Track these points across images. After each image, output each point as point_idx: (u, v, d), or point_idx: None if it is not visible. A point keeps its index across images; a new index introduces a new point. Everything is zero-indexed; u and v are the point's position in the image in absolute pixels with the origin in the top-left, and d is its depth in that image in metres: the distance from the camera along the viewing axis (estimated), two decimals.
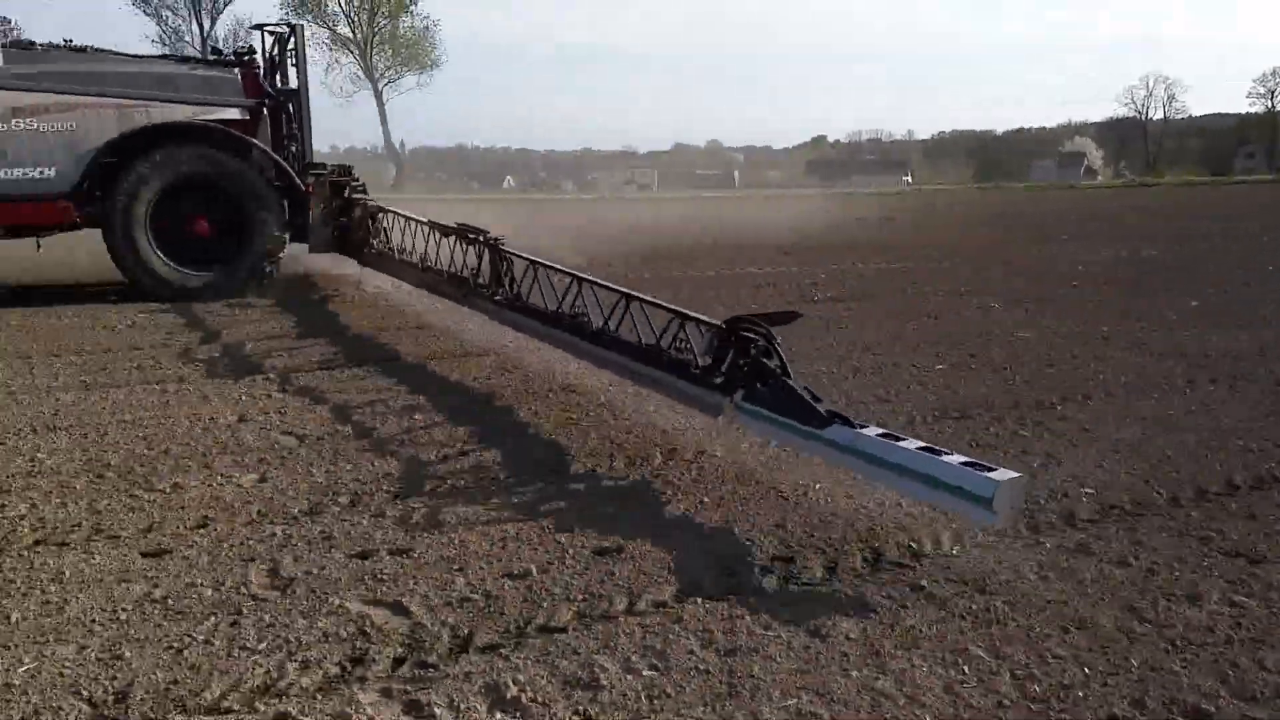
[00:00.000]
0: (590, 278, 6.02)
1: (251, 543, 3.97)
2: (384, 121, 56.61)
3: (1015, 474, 3.45)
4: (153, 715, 2.73)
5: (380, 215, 10.05)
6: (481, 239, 7.40)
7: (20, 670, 2.95)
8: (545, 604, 3.43)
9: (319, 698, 2.83)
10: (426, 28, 57.49)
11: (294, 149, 11.48)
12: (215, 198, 10.66)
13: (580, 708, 2.78)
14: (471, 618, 3.32)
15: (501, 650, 3.12)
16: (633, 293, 5.54)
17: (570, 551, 3.87)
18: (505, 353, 7.62)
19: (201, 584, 3.58)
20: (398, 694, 2.85)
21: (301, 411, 5.98)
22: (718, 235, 19.87)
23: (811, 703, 2.81)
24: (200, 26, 53.63)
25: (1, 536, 4.02)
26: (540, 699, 2.82)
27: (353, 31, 56.08)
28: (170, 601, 3.44)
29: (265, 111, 11.28)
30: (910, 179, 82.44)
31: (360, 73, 56.20)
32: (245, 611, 3.36)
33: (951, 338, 8.51)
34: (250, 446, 5.28)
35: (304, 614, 3.34)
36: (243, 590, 3.53)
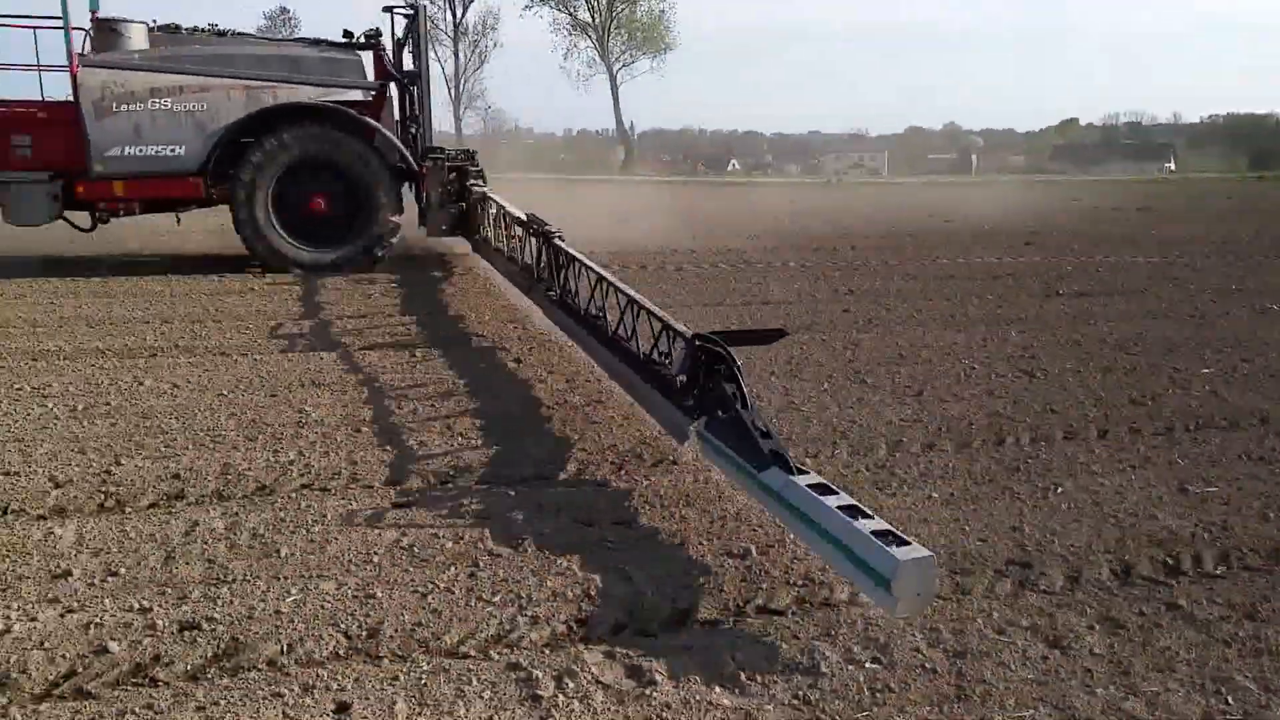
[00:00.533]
0: (609, 277, 5.79)
1: (487, 502, 4.18)
2: (616, 104, 58.04)
3: (925, 553, 2.88)
4: (400, 652, 2.94)
5: (486, 201, 9.96)
6: (539, 231, 7.20)
7: (288, 600, 3.26)
8: (764, 585, 3.41)
9: (547, 652, 2.95)
10: (662, 11, 58.39)
11: (414, 130, 11.64)
12: (335, 177, 10.88)
13: (800, 692, 2.75)
14: (691, 592, 3.36)
15: (721, 626, 3.13)
16: (635, 297, 5.17)
17: (791, 536, 3.83)
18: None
19: (443, 536, 3.82)
20: (620, 657, 2.92)
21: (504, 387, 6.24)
22: (953, 223, 19.01)
23: (1049, 716, 2.64)
24: (453, 14, 56.86)
25: (274, 479, 4.45)
26: (759, 678, 2.81)
27: (591, 16, 57.87)
28: (416, 549, 3.69)
29: (390, 93, 11.51)
30: (1173, 166, 75.60)
31: (597, 57, 57.88)
32: (481, 565, 3.55)
33: (1220, 339, 7.73)
34: (488, 412, 5.57)
35: (534, 573, 3.49)
36: (479, 545, 3.73)
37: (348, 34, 11.87)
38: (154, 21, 11.47)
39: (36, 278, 10.09)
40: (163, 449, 4.85)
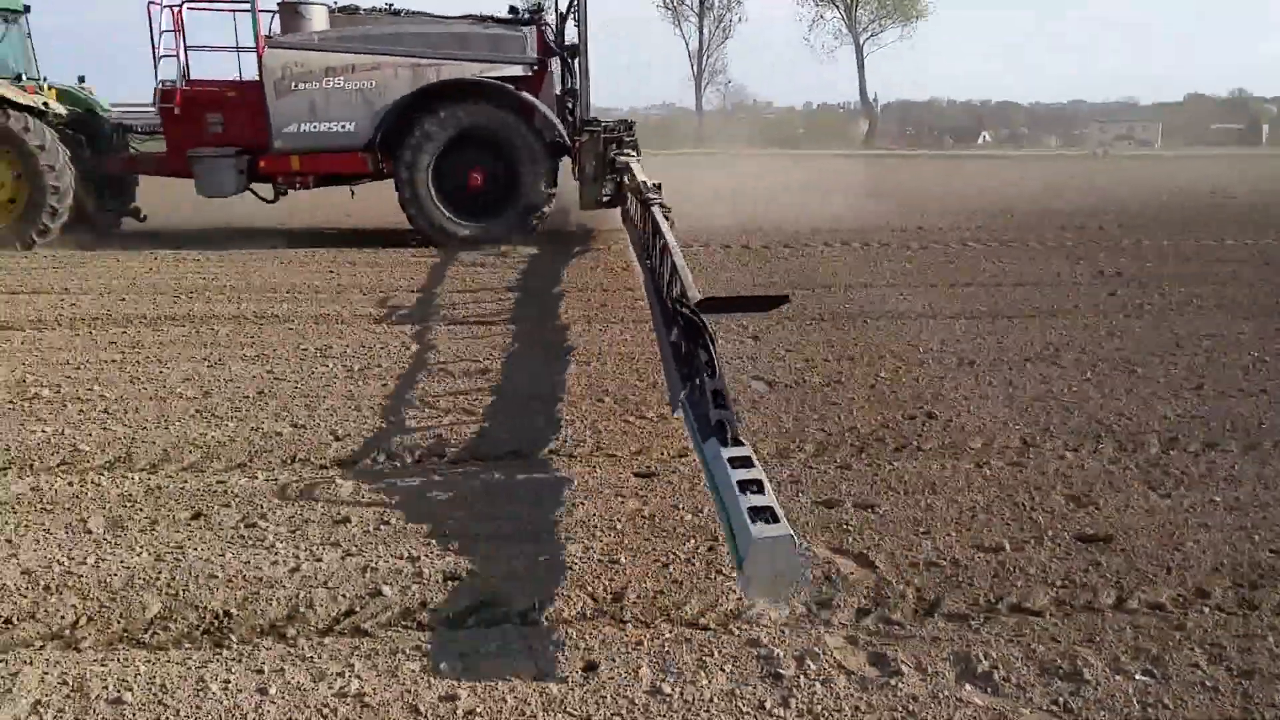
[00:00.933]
0: (668, 238, 5.46)
1: None
2: (861, 76, 56.39)
3: (784, 532, 2.63)
4: (643, 618, 3.01)
5: (628, 172, 9.58)
6: (642, 198, 6.93)
7: (541, 560, 3.42)
8: (1018, 583, 3.22)
9: (786, 632, 2.93)
10: None
11: (570, 105, 11.55)
12: (492, 151, 11.09)
13: (1060, 699, 2.57)
14: (938, 583, 3.22)
15: (970, 622, 2.98)
16: (676, 259, 4.86)
17: (1050, 533, 3.59)
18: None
19: (683, 508, 3.88)
20: (863, 644, 2.85)
21: (775, 357, 6.20)
22: (1236, 200, 17.11)
23: None
24: None
25: (528, 443, 4.68)
26: (1014, 680, 2.66)
27: None
28: (657, 519, 3.76)
29: (551, 68, 11.48)
30: None
31: (844, 27, 56.42)
32: (721, 539, 3.57)
33: None
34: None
35: None
36: (718, 519, 3.76)
37: (513, 10, 12.00)
38: (335, 3, 11.89)
39: (314, 247, 11.06)
40: (426, 411, 5.22)
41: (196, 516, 3.85)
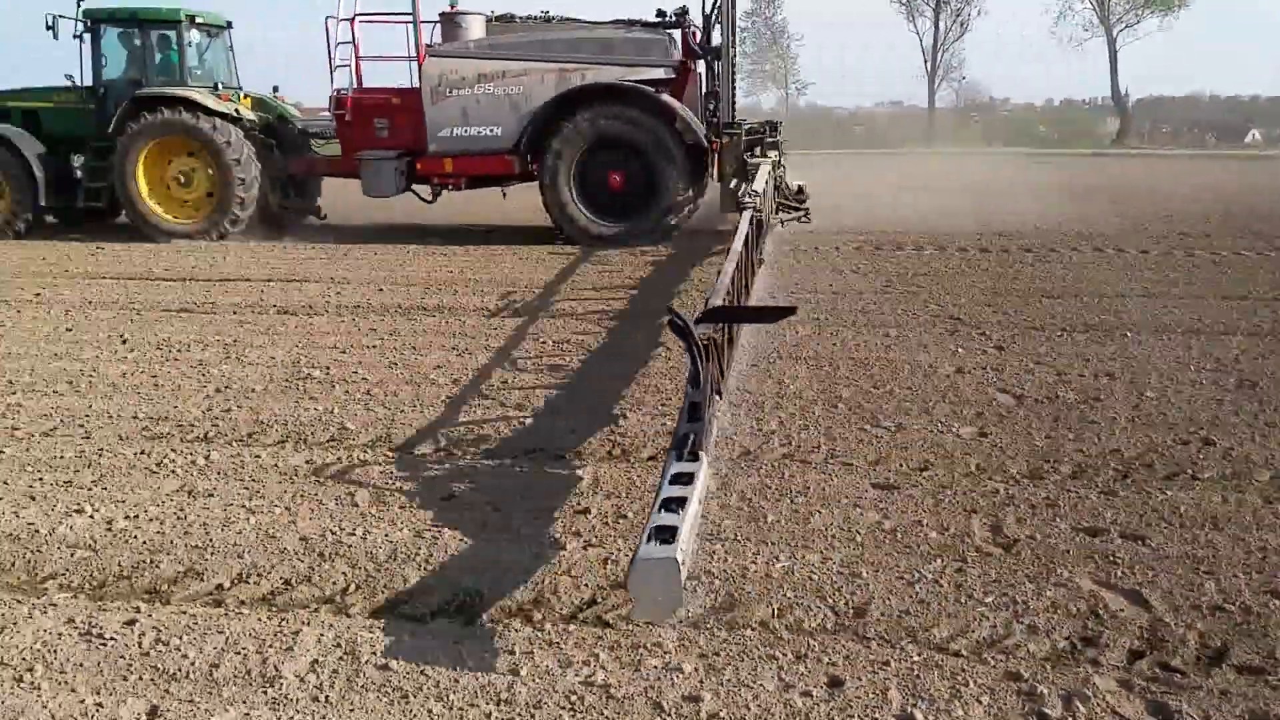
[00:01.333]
0: (735, 253, 5.54)
1: (973, 495, 3.98)
2: (1114, 70, 52.43)
3: (666, 555, 2.66)
4: (887, 637, 2.89)
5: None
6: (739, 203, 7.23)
7: (777, 566, 3.36)
8: None
9: (1048, 668, 2.72)
10: None
11: (712, 106, 11.50)
12: (633, 153, 11.25)
13: None
14: (1225, 629, 2.90)
15: (1267, 677, 2.66)
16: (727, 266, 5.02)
17: None
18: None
19: (926, 525, 3.70)
20: (1139, 690, 2.60)
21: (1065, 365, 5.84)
22: None
23: None
24: None
25: (758, 445, 4.63)
26: None
27: None
28: (899, 535, 3.61)
29: (695, 69, 11.50)
30: None
31: (1095, 19, 52.71)
32: (970, 561, 3.38)
33: None
34: (967, 399, 5.31)
35: (1030, 579, 3.24)
36: (966, 540, 3.56)
37: (660, 13, 12.05)
38: (492, 12, 12.39)
39: (538, 244, 11.49)
40: (660, 407, 5.27)
41: (449, 498, 4.06)
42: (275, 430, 4.93)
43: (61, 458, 4.49)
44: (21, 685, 2.69)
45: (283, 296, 8.45)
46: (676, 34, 11.88)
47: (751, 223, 7.18)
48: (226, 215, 12.20)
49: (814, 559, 3.42)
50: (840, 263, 10.08)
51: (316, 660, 2.81)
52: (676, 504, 2.97)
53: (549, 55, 11.75)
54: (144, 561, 3.43)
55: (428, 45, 11.91)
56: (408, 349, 6.60)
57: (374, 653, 2.84)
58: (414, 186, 12.35)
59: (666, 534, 2.80)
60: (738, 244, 5.87)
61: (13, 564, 3.40)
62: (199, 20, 12.78)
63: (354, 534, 3.67)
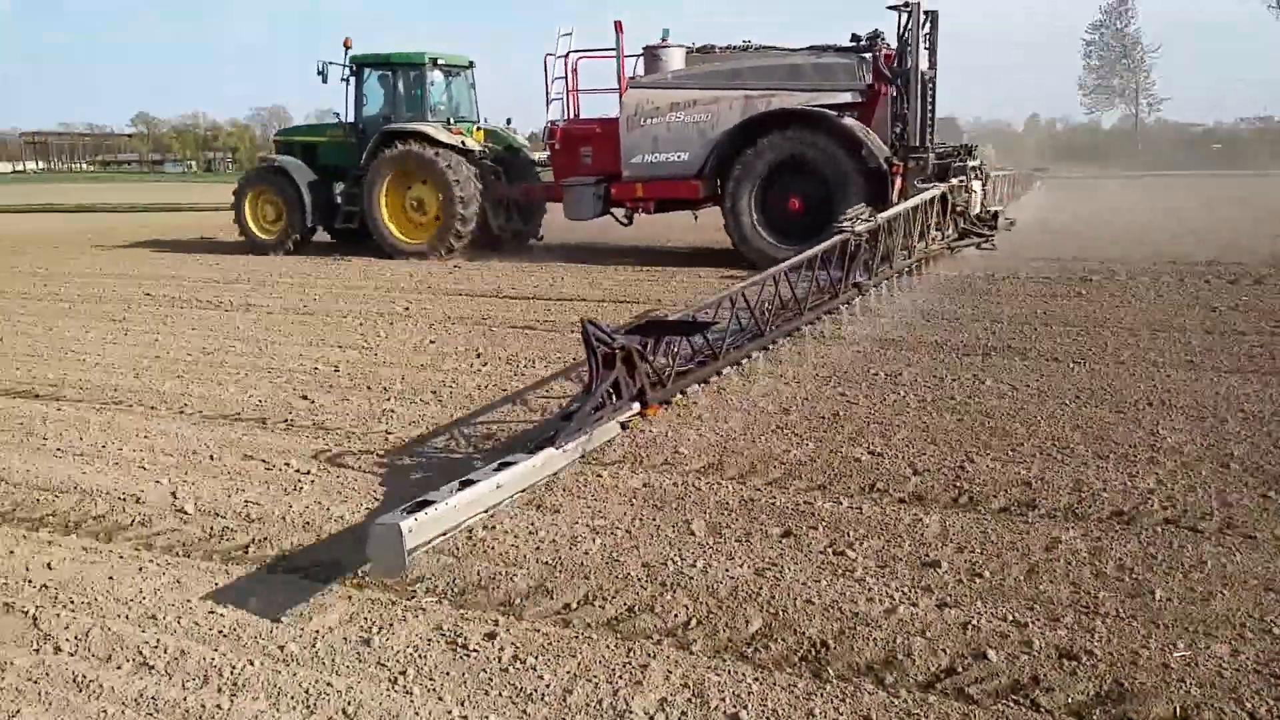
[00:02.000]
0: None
1: None
2: None
3: (391, 522, 3.13)
4: None
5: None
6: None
7: (1175, 654, 2.89)
8: None
9: None
10: None
11: (899, 130, 11.51)
12: (812, 176, 11.41)
13: None
14: None
15: None
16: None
17: None
18: None
19: None
20: None
21: None
22: None
23: None
24: None
25: (1133, 506, 4.08)
26: None
27: None
28: None
29: (886, 92, 11.56)
30: None
31: None
32: None
33: None
34: None
35: None
36: None
37: (855, 37, 12.10)
38: (693, 44, 12.82)
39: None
40: (1009, 453, 4.83)
41: (786, 535, 3.92)
42: (613, 449, 5.05)
43: (429, 464, 4.86)
44: (396, 688, 2.86)
45: (613, 316, 8.78)
46: (865, 58, 11.92)
47: (838, 247, 7.56)
48: (449, 235, 13.56)
49: (1222, 651, 2.91)
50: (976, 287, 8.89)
51: (665, 699, 2.76)
52: (469, 484, 3.53)
53: (737, 83, 12.12)
54: (500, 573, 3.59)
55: (631, 78, 12.62)
56: (736, 376, 6.58)
57: (722, 698, 2.74)
58: (612, 210, 13.07)
59: (421, 506, 3.28)
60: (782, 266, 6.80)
61: None
62: (440, 61, 14.40)
63: (694, 565, 3.62)
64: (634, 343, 5.01)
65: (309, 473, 4.71)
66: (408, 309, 9.52)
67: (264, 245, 14.90)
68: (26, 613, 3.20)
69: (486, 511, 3.75)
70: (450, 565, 3.66)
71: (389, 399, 6.14)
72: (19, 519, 4.17)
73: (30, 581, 3.46)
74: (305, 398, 6.18)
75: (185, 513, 4.18)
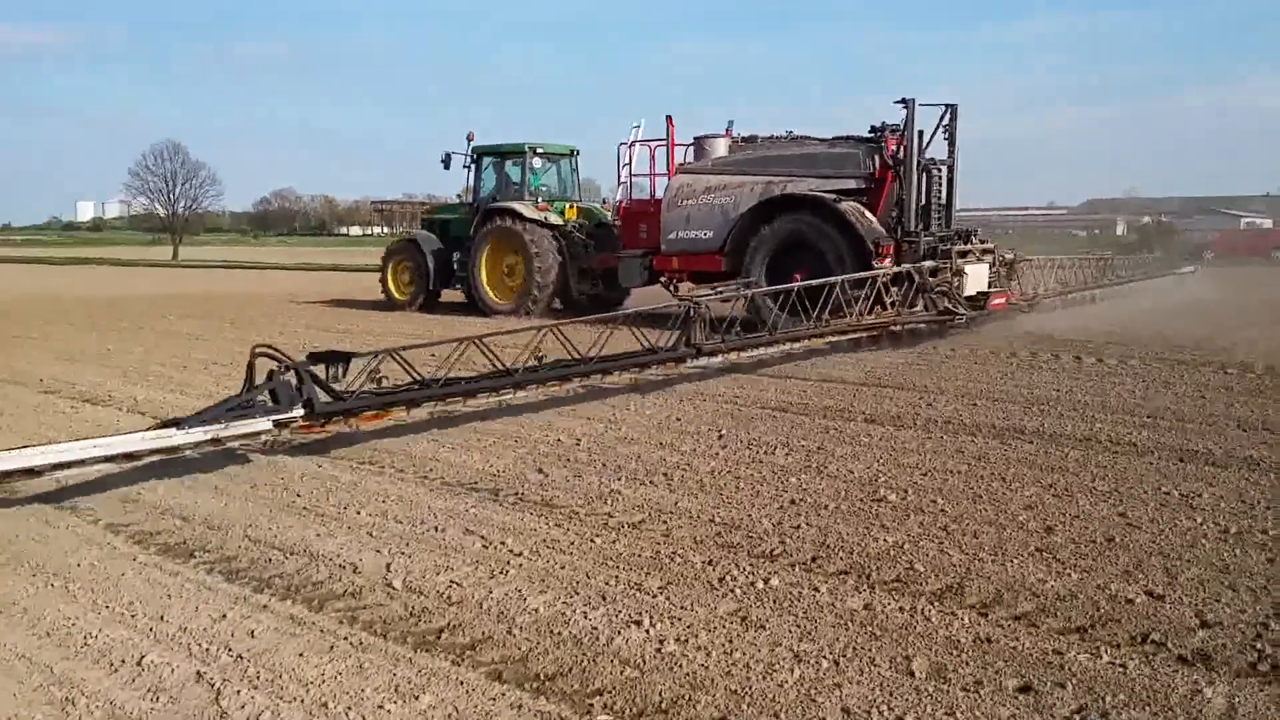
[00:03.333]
0: None
1: None
2: None
3: None
4: None
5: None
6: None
7: None
8: None
9: None
10: None
11: (895, 214, 12.83)
12: (813, 255, 12.61)
13: None
14: None
15: None
16: None
17: None
18: None
19: None
20: None
21: None
22: None
23: None
24: None
25: None
26: None
27: None
28: None
29: (892, 179, 12.82)
30: None
31: None
32: None
33: None
34: None
35: None
36: None
37: (874, 129, 13.17)
38: (740, 134, 14.52)
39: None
40: None
41: (1024, 690, 3.31)
42: (839, 557, 4.60)
43: (639, 555, 4.65)
44: None
45: (873, 404, 8.24)
46: (871, 149, 13.25)
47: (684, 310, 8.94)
48: (528, 297, 15.88)
49: None
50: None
51: None
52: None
53: (760, 170, 13.71)
54: (683, 697, 3.27)
55: (681, 164, 14.68)
56: (996, 479, 5.87)
57: None
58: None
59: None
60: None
61: (569, 670, 3.47)
62: (539, 150, 17.04)
63: (904, 717, 3.12)
64: (306, 364, 6.35)
65: (520, 554, 4.65)
66: (665, 378, 9.50)
67: (398, 304, 17.73)
68: (213, 685, 3.29)
69: (84, 465, 5.40)
70: (633, 680, 3.40)
71: (620, 478, 6.03)
72: (249, 578, 4.40)
73: (229, 649, 3.58)
74: (541, 471, 6.21)
75: (393, 588, 4.22)
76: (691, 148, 14.90)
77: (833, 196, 12.93)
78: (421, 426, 7.43)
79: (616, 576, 4.37)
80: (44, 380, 9.82)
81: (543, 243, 15.78)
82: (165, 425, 5.88)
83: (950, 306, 11.99)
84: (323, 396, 6.41)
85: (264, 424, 6.12)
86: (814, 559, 4.62)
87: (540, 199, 16.77)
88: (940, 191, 13.34)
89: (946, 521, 5.11)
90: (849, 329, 10.97)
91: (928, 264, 12.08)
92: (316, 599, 4.14)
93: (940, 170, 13.30)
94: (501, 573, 4.40)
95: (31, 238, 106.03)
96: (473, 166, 17.32)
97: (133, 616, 3.93)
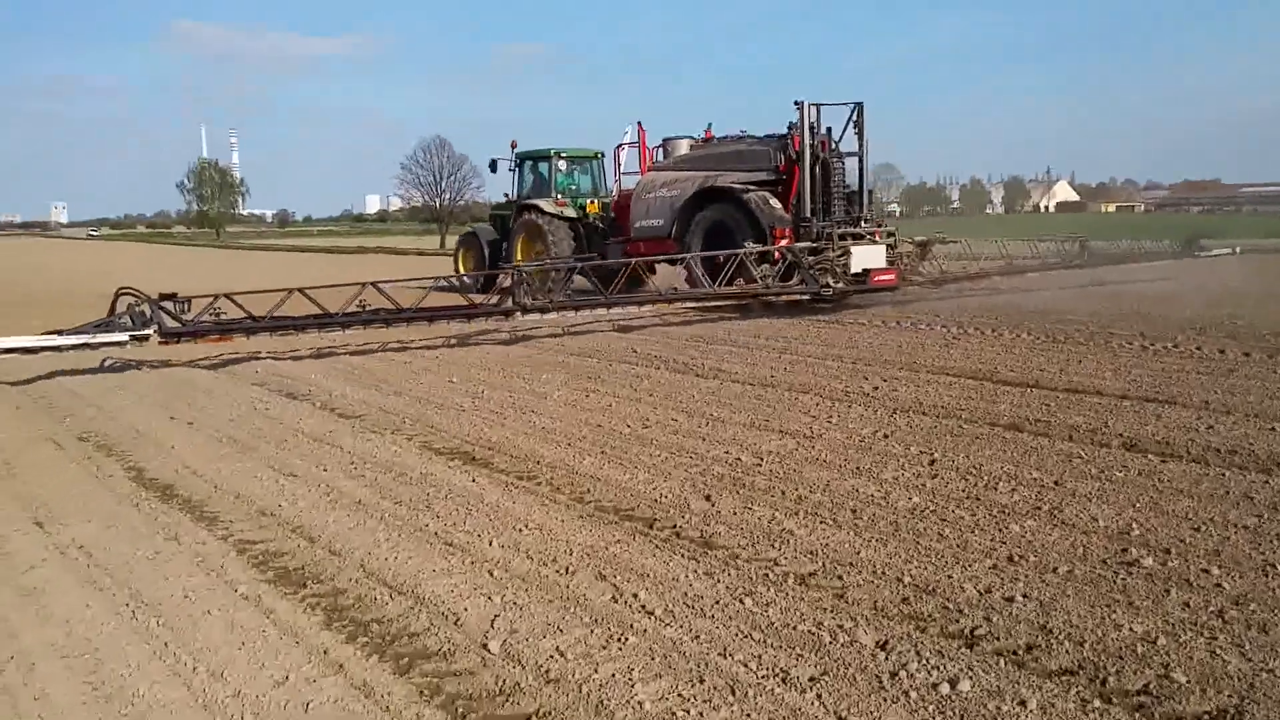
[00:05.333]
0: None
1: None
2: None
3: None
4: None
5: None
6: None
7: None
8: None
9: None
10: None
11: (795, 203, 14.87)
12: (731, 236, 14.89)
13: None
14: None
15: None
16: None
17: None
18: None
19: None
20: None
21: None
22: None
23: None
24: None
25: None
26: None
27: None
28: None
29: (801, 173, 14.75)
30: None
31: None
32: None
33: None
34: None
35: None
36: None
37: (792, 126, 14.88)
38: (704, 135, 16.95)
39: None
40: None
41: None
42: (1063, 651, 3.46)
43: (794, 628, 3.72)
44: None
45: (1136, 424, 6.74)
46: (779, 147, 15.24)
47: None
48: (547, 279, 15.60)
49: None
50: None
51: None
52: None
53: (700, 166, 16.04)
54: None
55: (652, 164, 17.33)
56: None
57: None
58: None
59: None
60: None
61: None
62: (564, 154, 19.84)
63: None
64: (157, 300, 10.11)
65: (651, 614, 3.86)
66: (876, 389, 8.36)
67: (465, 287, 18.55)
68: None
69: None
70: None
71: (797, 513, 5.09)
72: (348, 619, 3.90)
73: (288, 705, 3.04)
74: (709, 498, 5.39)
75: (489, 652, 3.55)
76: (662, 148, 17.69)
77: (743, 187, 15.16)
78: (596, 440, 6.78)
79: (758, 658, 3.48)
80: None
81: (559, 232, 18.25)
82: (49, 333, 9.74)
83: (829, 281, 13.81)
84: (170, 323, 10.04)
85: (123, 337, 9.79)
86: (1028, 647, 3.51)
87: (561, 196, 19.28)
88: (843, 181, 15.12)
89: (1223, 603, 3.80)
90: (707, 296, 13.59)
91: (803, 244, 14.09)
92: (406, 657, 3.56)
93: (841, 163, 15.11)
94: (619, 641, 3.62)
95: (326, 229, 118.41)
96: (516, 170, 20.17)
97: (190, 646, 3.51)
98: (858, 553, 4.50)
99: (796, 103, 14.53)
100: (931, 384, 8.52)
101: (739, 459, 6.19)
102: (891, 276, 14.50)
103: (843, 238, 14.23)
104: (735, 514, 5.11)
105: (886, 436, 6.70)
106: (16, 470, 6.42)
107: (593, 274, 13.35)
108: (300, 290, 10.80)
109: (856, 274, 14.05)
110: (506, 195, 20.62)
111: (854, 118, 14.82)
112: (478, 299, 13.13)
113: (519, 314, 12.09)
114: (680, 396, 8.30)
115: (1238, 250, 23.06)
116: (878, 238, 14.68)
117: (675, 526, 4.94)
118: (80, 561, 4.63)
